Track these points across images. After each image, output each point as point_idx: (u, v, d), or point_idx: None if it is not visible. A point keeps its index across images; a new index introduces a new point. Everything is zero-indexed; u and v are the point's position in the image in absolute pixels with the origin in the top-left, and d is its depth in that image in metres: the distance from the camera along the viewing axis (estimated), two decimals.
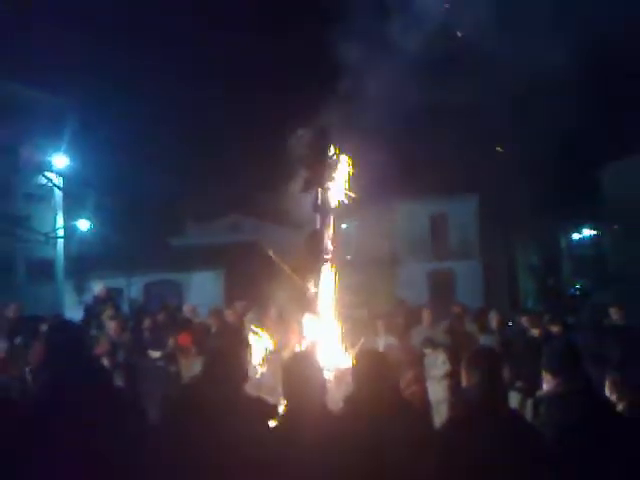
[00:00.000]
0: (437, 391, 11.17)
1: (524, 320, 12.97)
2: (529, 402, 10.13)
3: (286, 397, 4.72)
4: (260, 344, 9.04)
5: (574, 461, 4.35)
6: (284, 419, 4.63)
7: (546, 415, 4.93)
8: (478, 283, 39.55)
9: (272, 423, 4.76)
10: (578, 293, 48.66)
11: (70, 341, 4.88)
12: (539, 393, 5.11)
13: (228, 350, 5.12)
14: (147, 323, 12.46)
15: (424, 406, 10.35)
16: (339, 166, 9.73)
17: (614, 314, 12.52)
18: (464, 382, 4.82)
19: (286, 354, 8.82)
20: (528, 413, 9.72)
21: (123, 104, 38.04)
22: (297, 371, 4.72)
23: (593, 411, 4.72)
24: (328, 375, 4.91)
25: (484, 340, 11.80)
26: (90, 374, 4.80)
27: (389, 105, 10.35)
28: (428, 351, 11.46)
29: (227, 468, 4.19)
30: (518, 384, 10.36)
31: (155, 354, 10.56)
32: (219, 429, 4.39)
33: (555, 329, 11.87)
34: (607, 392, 5.25)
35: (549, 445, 4.43)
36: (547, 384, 5.02)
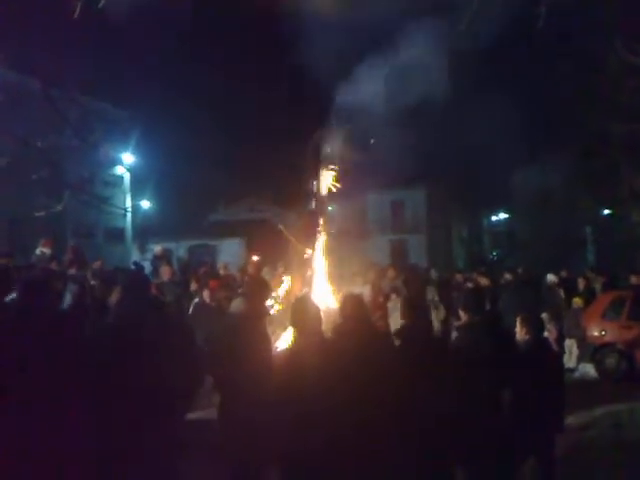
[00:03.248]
0: (397, 326, 11.15)
1: (458, 276, 13.09)
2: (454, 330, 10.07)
3: (293, 327, 4.70)
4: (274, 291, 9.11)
5: (472, 359, 4.62)
6: (292, 341, 4.63)
7: (460, 337, 5.12)
8: (424, 250, 39.73)
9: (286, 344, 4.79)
10: (495, 258, 48.97)
11: (139, 283, 4.92)
12: (456, 323, 5.29)
13: (254, 294, 5.11)
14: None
15: (387, 333, 10.40)
16: (329, 168, 9.77)
17: (520, 272, 12.69)
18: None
19: (292, 297, 8.86)
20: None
21: (174, 117, 37.86)
22: (301, 309, 4.70)
23: (490, 335, 4.91)
24: (321, 313, 4.93)
25: (428, 289, 11.69)
26: (151, 305, 4.82)
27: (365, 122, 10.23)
28: (394, 296, 11.40)
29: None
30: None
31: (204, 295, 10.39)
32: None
33: (484, 282, 11.89)
34: (517, 326, 5.33)
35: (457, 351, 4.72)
36: (462, 317, 5.16)
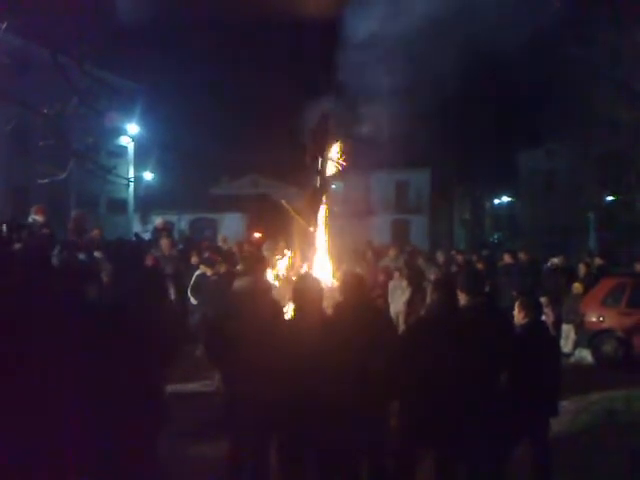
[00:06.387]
0: (398, 305, 11.19)
1: (459, 258, 13.08)
2: None
3: (294, 303, 4.74)
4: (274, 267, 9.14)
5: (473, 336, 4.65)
6: (293, 317, 4.67)
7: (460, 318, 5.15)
8: (425, 231, 39.75)
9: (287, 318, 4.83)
10: (496, 241, 49.08)
11: (133, 254, 4.98)
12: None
13: (253, 270, 5.14)
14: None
15: (385, 311, 10.42)
16: (334, 144, 9.74)
17: (522, 256, 12.68)
18: (428, 298, 4.98)
19: (293, 274, 8.86)
20: None
21: (179, 89, 37.64)
22: (303, 286, 4.75)
23: (488, 317, 4.97)
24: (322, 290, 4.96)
25: (431, 272, 11.66)
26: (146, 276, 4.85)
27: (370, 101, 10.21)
28: (396, 275, 11.40)
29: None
30: None
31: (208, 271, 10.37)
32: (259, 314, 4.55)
33: (480, 266, 11.95)
34: (515, 309, 5.33)
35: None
36: (461, 300, 5.16)
